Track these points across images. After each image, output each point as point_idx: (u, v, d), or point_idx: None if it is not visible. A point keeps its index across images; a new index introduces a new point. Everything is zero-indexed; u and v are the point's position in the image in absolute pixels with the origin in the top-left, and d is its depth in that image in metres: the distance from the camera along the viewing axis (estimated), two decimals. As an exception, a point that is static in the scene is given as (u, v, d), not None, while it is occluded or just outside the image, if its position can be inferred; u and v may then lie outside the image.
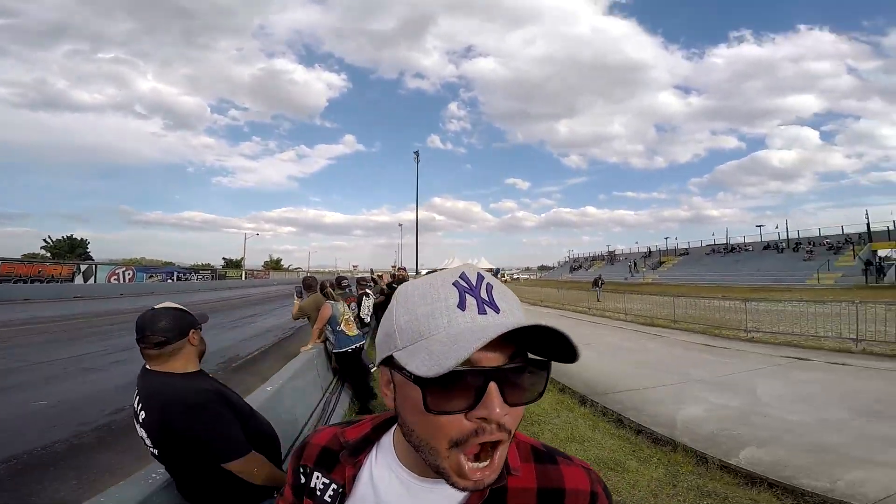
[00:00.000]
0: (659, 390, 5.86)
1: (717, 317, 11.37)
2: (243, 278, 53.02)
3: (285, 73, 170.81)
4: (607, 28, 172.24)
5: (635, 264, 56.76)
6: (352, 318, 5.41)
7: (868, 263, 31.01)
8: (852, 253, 35.21)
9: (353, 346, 5.23)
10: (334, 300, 5.32)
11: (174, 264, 53.15)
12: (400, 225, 59.13)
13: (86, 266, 31.71)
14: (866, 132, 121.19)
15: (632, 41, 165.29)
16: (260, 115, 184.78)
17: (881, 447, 3.64)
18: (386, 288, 9.48)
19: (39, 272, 27.90)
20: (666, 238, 62.62)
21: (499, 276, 63.85)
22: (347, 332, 5.23)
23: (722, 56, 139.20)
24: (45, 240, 52.29)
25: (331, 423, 3.69)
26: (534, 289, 28.19)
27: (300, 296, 6.21)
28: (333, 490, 0.69)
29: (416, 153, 29.59)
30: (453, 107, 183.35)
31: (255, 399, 3.13)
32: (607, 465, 3.71)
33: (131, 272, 35.47)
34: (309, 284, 5.94)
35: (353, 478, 0.68)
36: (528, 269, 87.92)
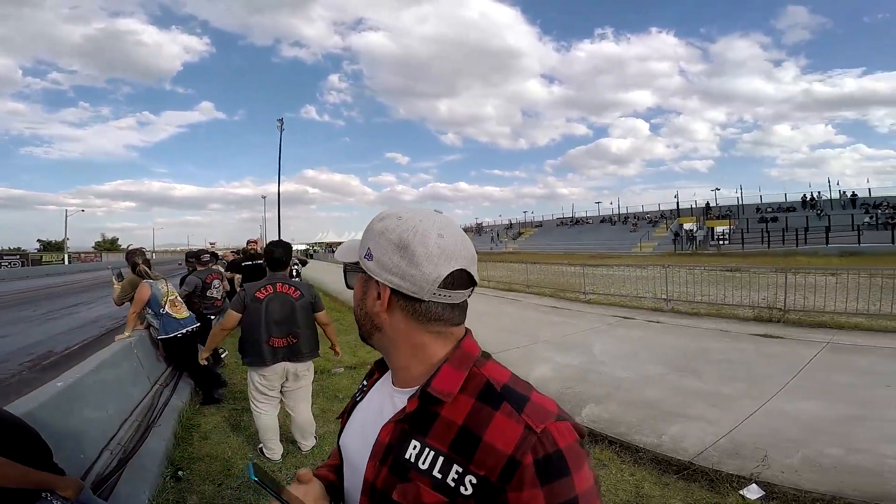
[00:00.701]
0: (514, 353, 6.07)
1: (562, 281, 12.45)
2: (66, 262, 43.40)
3: (131, 34, 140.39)
4: (494, 14, 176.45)
5: (498, 235, 60.91)
6: (179, 299, 4.47)
7: (676, 234, 37.59)
8: (665, 226, 42.34)
9: (185, 331, 4.36)
10: (151, 278, 4.32)
11: None
12: (263, 197, 53.37)
13: None
14: (683, 127, 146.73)
15: (513, 29, 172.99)
16: (91, 79, 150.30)
17: (691, 401, 4.12)
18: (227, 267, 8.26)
19: None
20: (525, 212, 68.07)
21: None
22: (174, 314, 4.33)
23: (585, 50, 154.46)
24: None
25: (161, 417, 3.20)
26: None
27: (119, 278, 4.99)
28: (360, 391, 0.82)
29: (280, 121, 26.35)
30: (334, 79, 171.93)
31: (38, 397, 2.42)
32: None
33: None
34: (135, 262, 4.77)
35: (375, 381, 0.80)
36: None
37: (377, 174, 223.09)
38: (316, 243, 68.07)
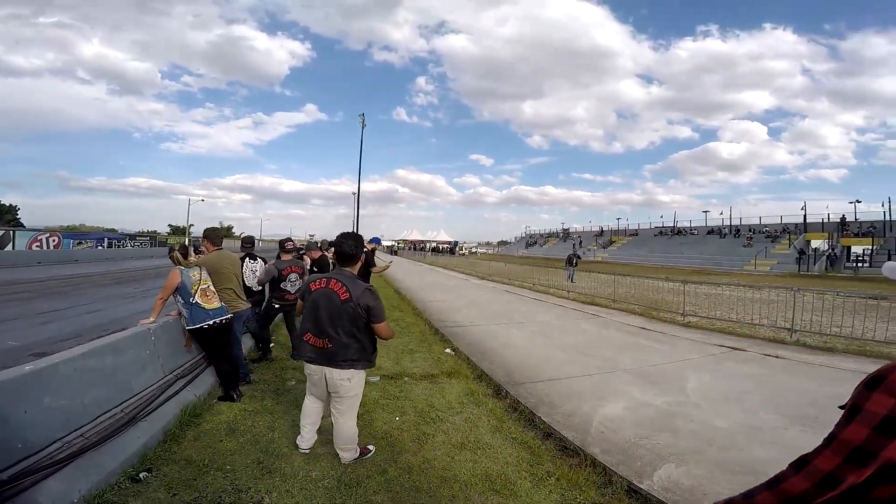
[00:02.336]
0: (582, 381, 5.17)
1: (656, 298, 10.99)
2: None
3: (245, 40, 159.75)
4: (579, 13, 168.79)
5: (581, 242, 57.74)
6: (212, 288, 4.30)
7: (801, 252, 32.45)
8: (788, 241, 36.86)
9: (213, 322, 4.15)
10: (185, 265, 4.19)
11: (117, 231, 49.56)
12: (353, 193, 57.00)
13: (1, 232, 28.49)
14: (809, 131, 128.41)
15: (602, 28, 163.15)
16: (215, 82, 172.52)
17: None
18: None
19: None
20: (618, 219, 63.75)
21: (457, 249, 63.36)
22: (204, 304, 4.14)
23: (686, 49, 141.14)
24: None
25: (159, 410, 3.41)
26: (487, 263, 27.60)
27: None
28: None
29: (362, 115, 26.45)
30: (421, 81, 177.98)
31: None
32: (494, 485, 2.89)
33: (56, 239, 32.22)
34: (171, 248, 4.69)
35: None
36: (488, 244, 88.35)
37: (461, 175, 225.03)
38: (401, 240, 70.24)
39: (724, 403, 4.47)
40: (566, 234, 67.56)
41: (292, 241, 6.21)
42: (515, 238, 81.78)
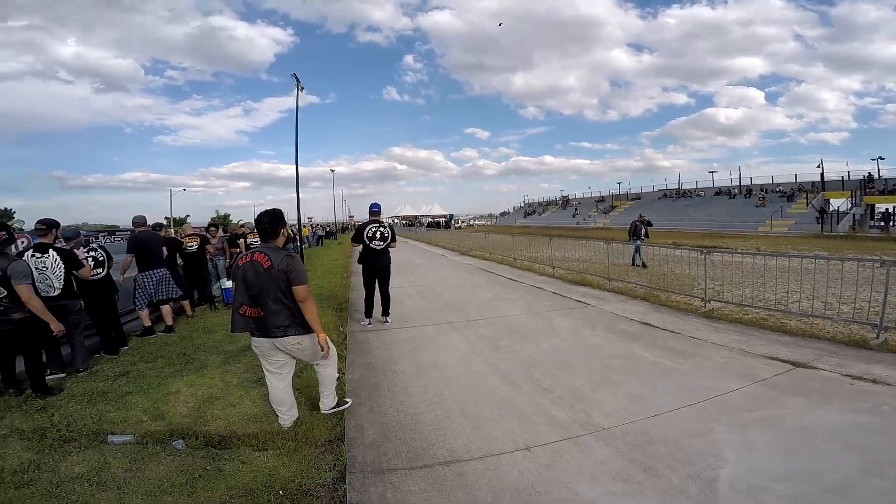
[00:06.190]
0: (509, 466, 2.57)
1: (664, 271, 8.28)
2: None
3: (224, 30, 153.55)
4: None
5: (576, 208, 55.26)
6: None
7: (822, 212, 29.39)
8: (805, 201, 33.78)
9: None
10: None
11: (118, 227, 49.61)
12: (332, 171, 53.65)
13: (-32, 238, 27.07)
14: (807, 95, 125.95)
15: None
16: (200, 73, 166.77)
17: None
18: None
19: None
20: (619, 183, 60.43)
21: (452, 222, 60.29)
22: None
23: (674, 16, 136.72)
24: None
25: None
26: (473, 235, 24.87)
27: None
28: None
29: (294, 75, 21.02)
30: (409, 59, 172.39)
31: None
32: None
33: (25, 240, 30.37)
34: None
35: None
36: (490, 216, 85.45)
37: (458, 149, 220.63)
38: (394, 216, 67.26)
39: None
40: (566, 202, 64.29)
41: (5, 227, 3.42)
42: (513, 208, 78.66)
